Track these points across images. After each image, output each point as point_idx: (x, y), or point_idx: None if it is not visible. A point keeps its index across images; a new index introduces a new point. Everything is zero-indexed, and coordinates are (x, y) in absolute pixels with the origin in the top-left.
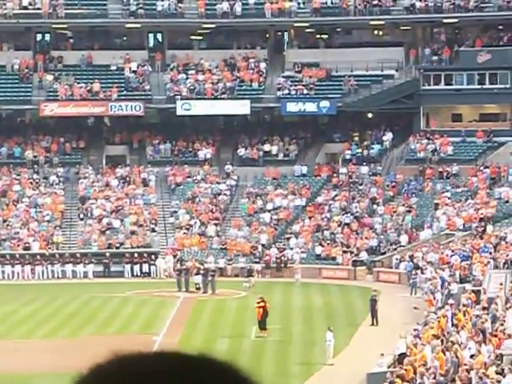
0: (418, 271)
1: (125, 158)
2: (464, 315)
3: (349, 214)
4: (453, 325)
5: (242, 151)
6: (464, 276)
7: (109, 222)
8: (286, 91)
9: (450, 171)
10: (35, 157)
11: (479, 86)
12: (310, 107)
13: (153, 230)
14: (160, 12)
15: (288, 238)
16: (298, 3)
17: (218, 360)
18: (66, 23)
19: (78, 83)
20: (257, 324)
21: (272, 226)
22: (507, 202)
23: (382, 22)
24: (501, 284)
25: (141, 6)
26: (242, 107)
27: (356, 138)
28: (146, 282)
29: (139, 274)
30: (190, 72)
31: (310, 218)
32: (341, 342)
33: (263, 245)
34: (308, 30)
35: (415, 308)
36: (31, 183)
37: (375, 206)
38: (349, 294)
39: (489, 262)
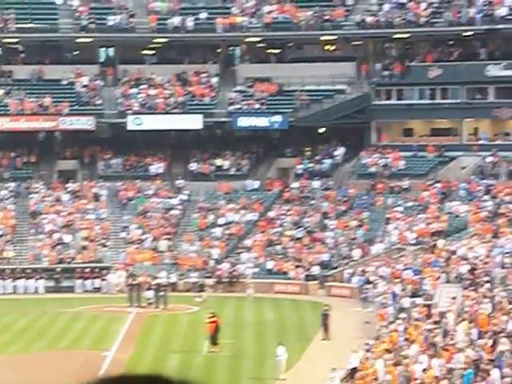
0: (370, 285)
1: (76, 172)
2: (415, 329)
3: (301, 229)
4: (404, 339)
5: (193, 166)
6: (415, 290)
7: (60, 236)
8: (238, 106)
9: (402, 186)
10: None
11: (430, 101)
12: (262, 122)
13: (104, 245)
14: (111, 27)
15: (240, 253)
16: (250, 18)
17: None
18: (16, 37)
19: (29, 98)
20: (208, 339)
21: (224, 240)
22: (458, 216)
23: (334, 37)
24: (452, 298)
25: (92, 20)
26: (193, 122)
27: (308, 153)
28: (97, 297)
29: (90, 289)
30: (141, 87)
31: (261, 232)
32: (293, 356)
33: (215, 259)
34: (259, 45)
35: (367, 322)
36: None
37: (327, 221)
38: (301, 309)
39: (440, 277)
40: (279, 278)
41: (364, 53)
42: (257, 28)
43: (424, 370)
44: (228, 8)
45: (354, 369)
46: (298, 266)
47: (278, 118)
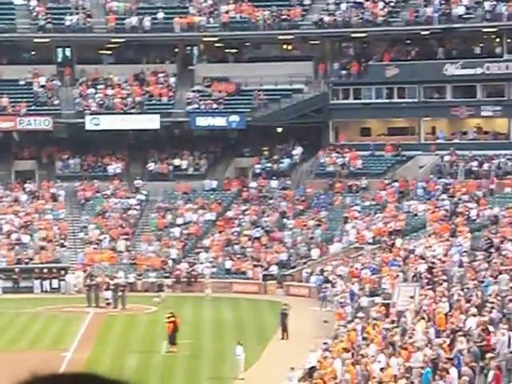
0: (328, 285)
1: (34, 172)
2: (374, 328)
3: (259, 228)
4: (363, 338)
5: (151, 166)
6: (373, 289)
7: (18, 237)
8: (196, 106)
9: (360, 185)
10: None
11: (387, 100)
12: (220, 122)
13: (62, 246)
14: (69, 27)
15: (198, 253)
16: (207, 18)
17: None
18: None
19: None
20: (167, 339)
21: (182, 240)
22: (416, 215)
23: (291, 37)
24: (410, 297)
25: (49, 20)
26: (151, 122)
27: (266, 153)
28: (55, 297)
29: (49, 289)
30: (99, 87)
31: (220, 232)
32: (251, 356)
33: (173, 259)
34: (217, 45)
35: (325, 321)
36: None
37: (285, 220)
38: (259, 308)
39: (398, 276)
40: (237, 278)
41: (321, 52)
42: (214, 28)
43: (382, 368)
44: (185, 8)
45: (313, 368)
46: (256, 266)
47: (235, 118)
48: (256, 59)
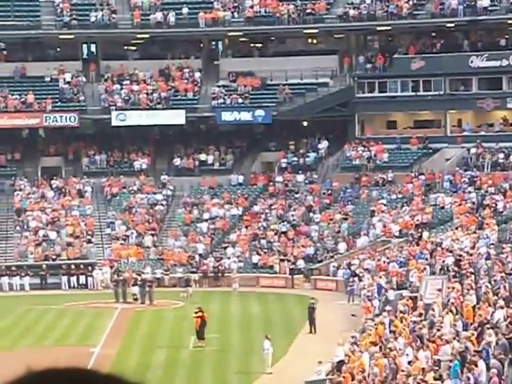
0: (356, 278)
1: (60, 169)
2: (401, 322)
3: (285, 223)
4: (390, 331)
5: (177, 161)
6: (401, 282)
7: (45, 233)
8: (221, 100)
9: (386, 178)
10: None
11: (413, 93)
12: (245, 116)
13: (89, 242)
14: (93, 23)
15: (225, 248)
16: (232, 12)
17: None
18: None
19: (12, 95)
20: (195, 334)
21: (209, 235)
22: (442, 208)
23: (316, 31)
24: (438, 290)
25: (74, 16)
26: (177, 117)
27: (291, 147)
28: (83, 293)
29: (76, 285)
30: (124, 82)
31: (246, 227)
32: (279, 350)
33: (200, 254)
34: (242, 39)
35: (353, 315)
36: None
37: (311, 214)
38: (286, 303)
39: (425, 269)
40: (264, 272)
41: (346, 46)
42: (239, 22)
43: (410, 362)
44: (210, 2)
45: (341, 362)
46: (283, 260)
47: (261, 112)
48: (281, 53)
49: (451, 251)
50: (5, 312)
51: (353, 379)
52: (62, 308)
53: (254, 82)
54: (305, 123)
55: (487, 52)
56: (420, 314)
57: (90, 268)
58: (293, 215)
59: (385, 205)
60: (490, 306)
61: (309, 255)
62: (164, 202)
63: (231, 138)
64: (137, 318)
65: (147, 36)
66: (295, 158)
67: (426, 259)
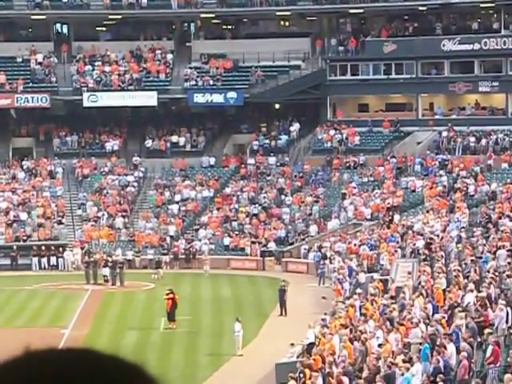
0: (326, 261)
1: (31, 150)
2: (372, 304)
3: (257, 205)
4: (361, 314)
5: (149, 143)
6: (372, 265)
7: (16, 214)
8: (193, 82)
9: (357, 161)
10: None
11: (385, 77)
12: (217, 98)
13: (60, 223)
14: (66, 3)
15: (196, 230)
16: None
17: (126, 361)
18: None
19: None
20: (166, 316)
21: (180, 217)
22: (414, 191)
23: (288, 13)
24: (408, 273)
25: None
26: (149, 99)
27: (263, 129)
28: (53, 274)
29: (47, 266)
30: (96, 63)
31: (218, 209)
32: (250, 332)
33: (171, 236)
34: (214, 21)
35: (323, 298)
36: None
37: (283, 197)
38: (257, 285)
39: (396, 252)
40: (236, 255)
41: (319, 28)
42: (211, 4)
43: (380, 344)
44: None
45: (311, 344)
46: (254, 242)
47: (233, 95)
48: (253, 35)
49: (422, 234)
50: None
51: (323, 361)
52: (33, 289)
53: (226, 64)
54: (277, 106)
55: (459, 35)
56: (391, 297)
57: (60, 249)
58: (264, 197)
59: (356, 188)
60: (460, 289)
61: (280, 238)
62: (135, 184)
63: (203, 120)
64: (107, 300)
65: (119, 17)
66: (267, 141)
67: (397, 242)
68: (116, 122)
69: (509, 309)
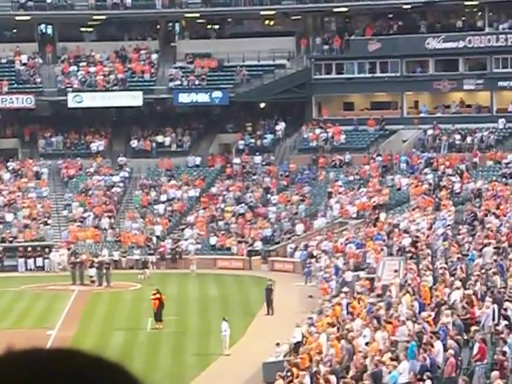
0: (313, 260)
1: (16, 151)
2: (359, 303)
3: (243, 204)
4: (348, 313)
5: (134, 143)
6: (358, 264)
7: (1, 215)
8: (178, 82)
9: (343, 160)
10: None
11: (370, 75)
12: (203, 98)
13: (46, 224)
14: (50, 4)
15: (182, 229)
16: None
17: (109, 362)
18: None
19: None
20: (152, 316)
21: (166, 217)
22: (399, 189)
23: (273, 12)
24: (395, 271)
25: None
26: (134, 99)
27: (249, 128)
28: (40, 275)
29: (33, 267)
30: (81, 64)
31: (204, 208)
32: (237, 332)
33: (158, 236)
34: (199, 21)
35: (310, 296)
36: None
37: (269, 196)
38: (244, 284)
39: (382, 250)
40: (222, 254)
41: (303, 27)
42: (196, 3)
43: (367, 343)
44: None
45: (298, 343)
46: (240, 242)
47: (218, 94)
48: (238, 35)
49: (408, 232)
50: None
51: (310, 360)
52: (19, 290)
53: (211, 64)
54: (262, 105)
55: (444, 34)
56: (377, 295)
57: (46, 250)
58: (250, 197)
59: (342, 186)
60: (446, 286)
61: (266, 237)
62: (121, 184)
63: (188, 120)
64: (94, 300)
65: (104, 17)
66: (252, 140)
67: (383, 240)
68: (101, 122)
69: (495, 306)
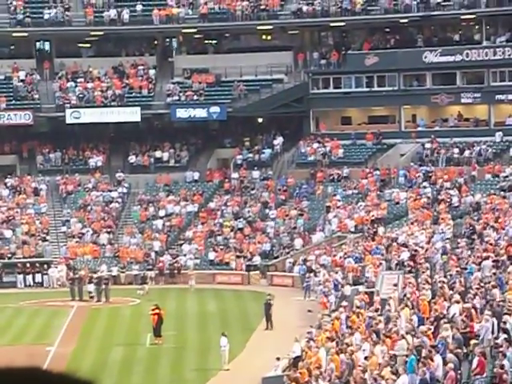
0: (312, 274)
1: (15, 167)
2: (358, 317)
3: (241, 219)
4: (347, 327)
5: (132, 158)
6: (357, 278)
7: (0, 232)
8: (176, 97)
9: (341, 174)
10: None
11: (367, 89)
12: (200, 113)
13: (44, 240)
14: (47, 20)
15: (181, 245)
16: (186, 9)
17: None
18: None
19: None
20: (152, 331)
21: (165, 232)
22: (398, 203)
23: (270, 27)
24: (394, 285)
25: (28, 14)
26: (132, 114)
27: (247, 143)
28: (38, 291)
29: (32, 283)
30: (78, 80)
31: (202, 223)
32: (236, 346)
33: (156, 252)
34: (196, 36)
35: (309, 311)
36: None
37: (267, 211)
38: (243, 299)
39: (381, 264)
40: (221, 269)
41: (301, 42)
42: (193, 19)
43: (366, 357)
44: None
45: (297, 357)
46: (239, 257)
47: (216, 109)
48: (235, 50)
49: (407, 246)
50: None
51: (310, 375)
52: (18, 306)
53: (208, 79)
54: (260, 119)
55: (441, 47)
56: (376, 310)
57: (45, 266)
58: (249, 211)
59: (340, 200)
60: (445, 300)
61: (265, 251)
62: (119, 200)
63: (186, 135)
64: (93, 316)
65: (101, 33)
66: (250, 155)
67: (382, 254)
68: (99, 138)
69: (494, 319)
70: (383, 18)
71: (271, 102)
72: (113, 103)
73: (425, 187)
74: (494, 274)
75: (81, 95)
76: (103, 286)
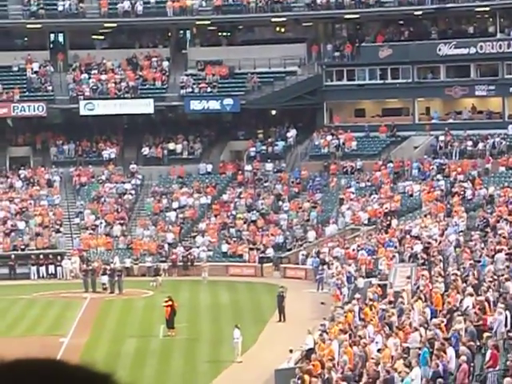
0: (325, 266)
1: (28, 159)
2: (371, 309)
3: (254, 211)
4: (360, 319)
5: (146, 150)
6: (370, 270)
7: (13, 223)
8: (190, 89)
9: (355, 166)
10: None
11: (381, 81)
12: (214, 105)
13: (58, 231)
14: (61, 12)
15: (194, 237)
16: (200, 1)
17: (95, 373)
18: None
19: None
20: (165, 323)
21: (178, 224)
22: (411, 195)
23: (284, 19)
24: (407, 277)
25: (42, 6)
26: (145, 106)
27: (260, 135)
28: (52, 283)
29: (45, 275)
30: (92, 72)
31: (215, 215)
32: (249, 339)
33: (169, 243)
34: (210, 28)
35: (322, 303)
36: None
37: (280, 203)
38: (256, 291)
39: (394, 256)
40: (234, 261)
41: (314, 34)
42: (207, 11)
43: (379, 349)
44: None
45: (310, 350)
46: (252, 249)
47: (229, 101)
48: (249, 42)
49: (420, 239)
50: None
51: (322, 367)
52: (31, 298)
53: (222, 71)
54: (273, 112)
55: (455, 40)
56: (389, 302)
57: (59, 258)
58: (262, 204)
59: (353, 193)
60: (458, 293)
61: (278, 244)
62: (133, 192)
63: (200, 127)
64: (106, 308)
65: (115, 25)
66: (264, 147)
67: (395, 247)
68: (113, 130)
69: (507, 312)
70: (397, 10)
71: (285, 95)
72: (126, 95)
73: (438, 180)
74: (508, 266)
75: (94, 87)
76: (116, 278)
